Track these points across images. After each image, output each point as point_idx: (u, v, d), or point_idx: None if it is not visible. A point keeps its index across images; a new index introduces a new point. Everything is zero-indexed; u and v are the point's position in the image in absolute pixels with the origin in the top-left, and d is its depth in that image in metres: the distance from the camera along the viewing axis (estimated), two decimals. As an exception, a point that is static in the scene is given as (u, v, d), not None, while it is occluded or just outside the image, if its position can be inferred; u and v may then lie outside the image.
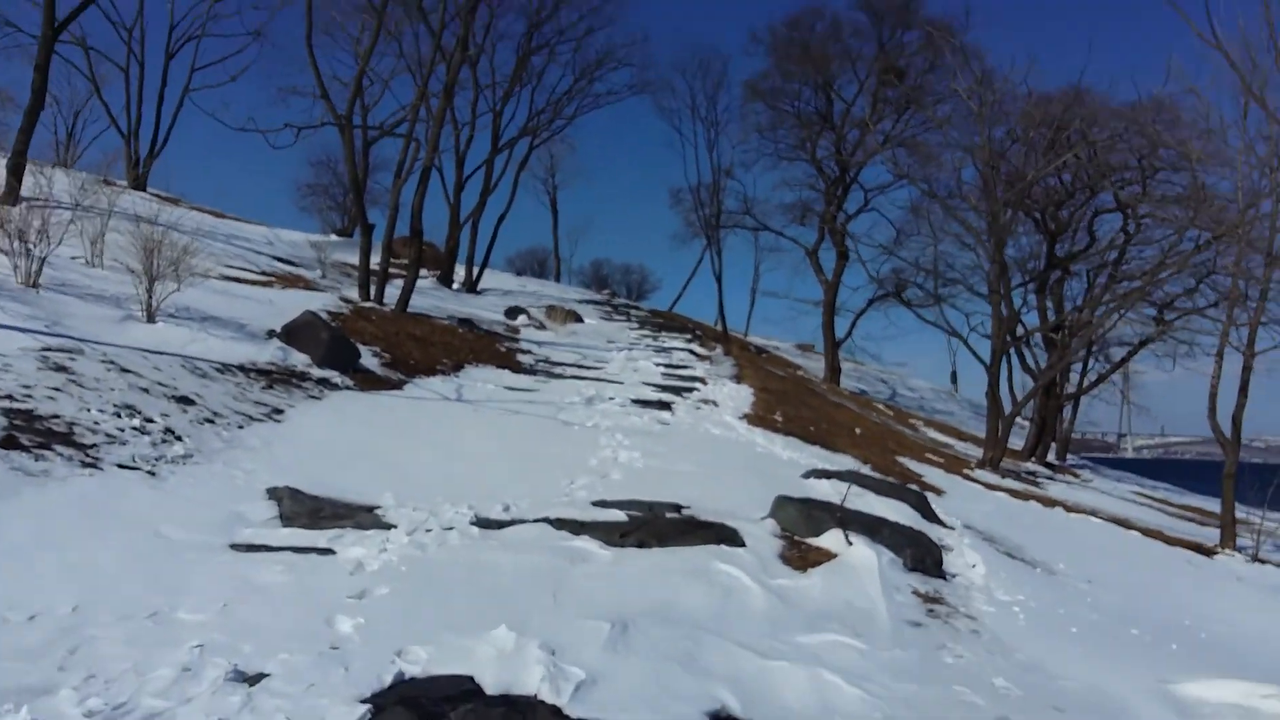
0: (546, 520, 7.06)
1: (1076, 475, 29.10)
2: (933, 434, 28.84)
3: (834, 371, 33.74)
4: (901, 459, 17.25)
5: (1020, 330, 30.04)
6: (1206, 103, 17.20)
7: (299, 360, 11.90)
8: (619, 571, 5.87)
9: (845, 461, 13.49)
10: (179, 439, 7.80)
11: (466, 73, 26.79)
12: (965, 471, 19.39)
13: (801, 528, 7.42)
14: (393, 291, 19.14)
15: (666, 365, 19.92)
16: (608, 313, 30.15)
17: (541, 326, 23.09)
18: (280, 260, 22.36)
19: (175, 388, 9.05)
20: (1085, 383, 30.88)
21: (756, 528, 7.43)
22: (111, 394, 8.16)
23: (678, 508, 7.90)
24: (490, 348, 18.18)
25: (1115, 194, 27.74)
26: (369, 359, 13.43)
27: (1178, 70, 26.96)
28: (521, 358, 18.16)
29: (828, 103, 32.64)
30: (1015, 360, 29.48)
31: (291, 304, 14.85)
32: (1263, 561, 14.21)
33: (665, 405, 14.72)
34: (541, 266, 48.11)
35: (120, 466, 6.83)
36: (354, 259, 21.71)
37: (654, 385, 16.88)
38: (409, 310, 18.50)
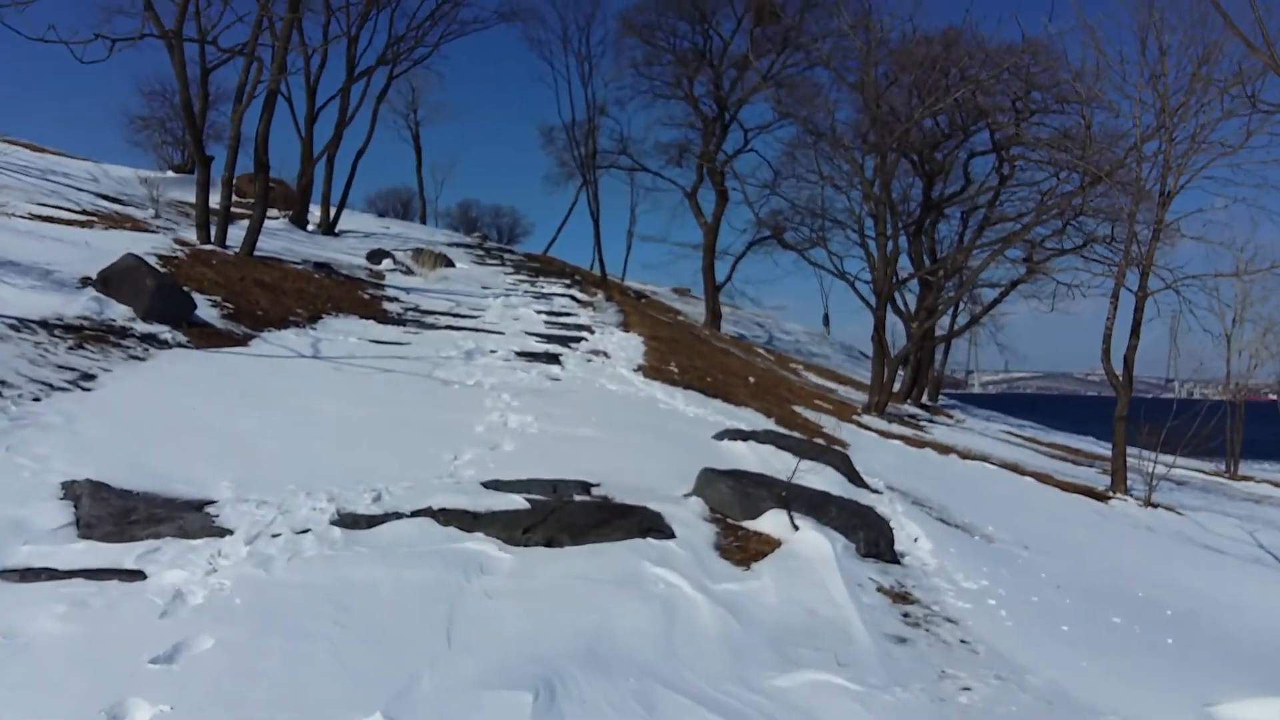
0: (429, 512, 5.68)
1: (950, 416, 29.35)
2: (815, 379, 28.49)
3: (715, 316, 32.98)
4: (797, 408, 16.48)
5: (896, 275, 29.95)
6: (1097, 39, 16.70)
7: (119, 313, 9.98)
8: (529, 586, 4.58)
9: (749, 416, 12.51)
10: (-58, 420, 6.03)
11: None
12: (855, 418, 18.81)
13: (735, 509, 6.29)
14: (238, 233, 17.01)
15: (548, 313, 18.53)
16: (480, 257, 28.37)
17: (409, 272, 21.25)
18: (106, 198, 19.74)
19: (-55, 352, 7.17)
20: (956, 325, 31.13)
21: (682, 509, 6.26)
22: None
23: (586, 486, 6.64)
24: (352, 295, 16.37)
25: (991, 135, 27.66)
26: (207, 310, 11.55)
27: (1073, 6, 26.59)
28: (388, 306, 16.43)
29: (705, 39, 31.31)
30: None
31: (114, 247, 12.72)
32: (1155, 505, 14.08)
33: (553, 358, 13.37)
34: (405, 208, 45.46)
35: None
36: (193, 197, 19.35)
37: (538, 335, 15.49)
38: (256, 254, 16.44)
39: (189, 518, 5.29)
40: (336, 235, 26.07)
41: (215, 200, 17.19)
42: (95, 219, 15.98)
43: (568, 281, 25.70)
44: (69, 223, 14.66)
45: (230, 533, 5.05)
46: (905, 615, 4.98)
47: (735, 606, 4.63)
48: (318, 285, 16.07)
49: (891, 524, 7.23)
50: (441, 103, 78.56)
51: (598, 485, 6.68)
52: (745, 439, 9.09)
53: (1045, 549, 8.40)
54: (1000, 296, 28.22)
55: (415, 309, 16.71)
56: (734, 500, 6.32)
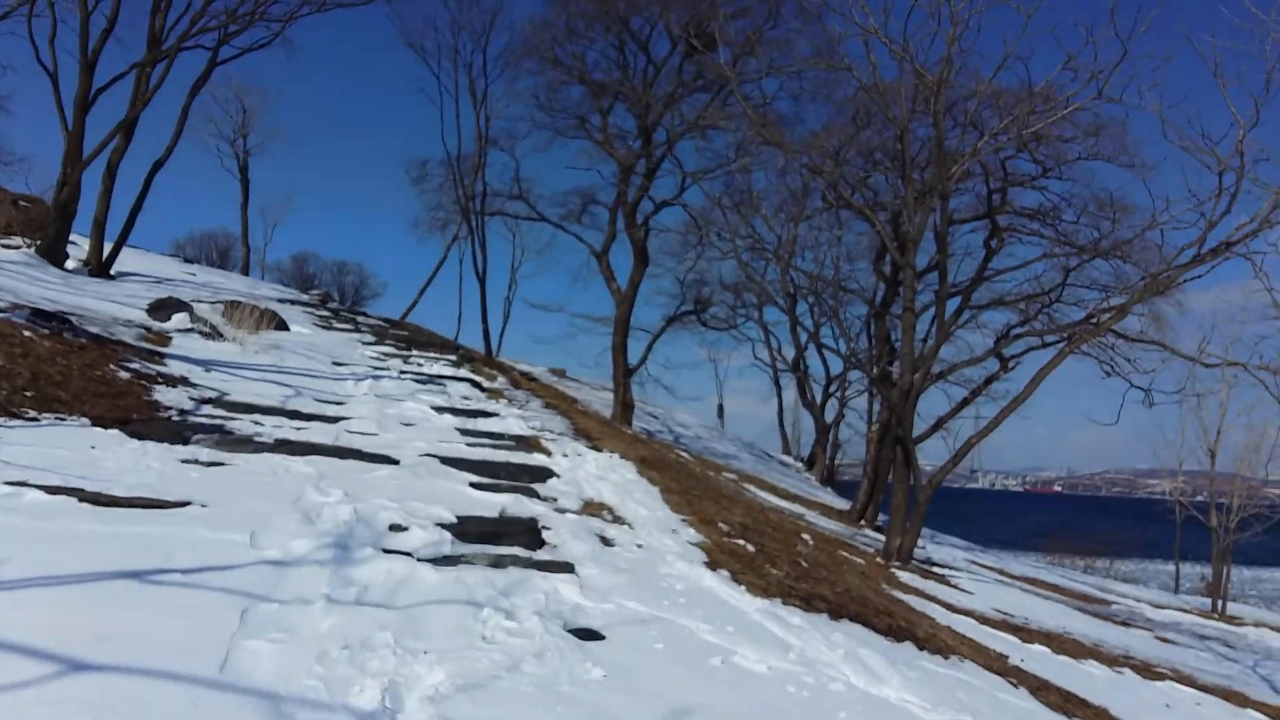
0: None
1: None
2: (770, 498, 21.44)
3: (626, 409, 25.75)
4: (903, 598, 9.59)
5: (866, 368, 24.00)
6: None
7: None
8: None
9: (975, 672, 5.46)
10: None
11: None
12: (890, 578, 12.01)
13: None
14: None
15: (452, 411, 11.02)
16: (325, 319, 20.35)
17: (215, 335, 13.19)
18: None
19: None
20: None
21: None
22: None
23: None
24: (97, 372, 8.46)
25: (990, 199, 22.46)
26: None
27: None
28: (165, 395, 8.59)
29: (625, 61, 24.58)
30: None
31: None
32: None
33: (534, 539, 5.94)
34: (224, 257, 36.49)
35: None
36: None
37: (464, 464, 8.04)
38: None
39: None
40: (112, 278, 17.56)
41: None
42: None
43: (453, 358, 18.05)
44: None
45: None
46: None
47: None
48: (30, 352, 8.10)
49: None
50: (276, 128, 67.70)
51: None
52: None
53: None
54: (971, 396, 21.77)
55: (218, 400, 8.96)
56: None
